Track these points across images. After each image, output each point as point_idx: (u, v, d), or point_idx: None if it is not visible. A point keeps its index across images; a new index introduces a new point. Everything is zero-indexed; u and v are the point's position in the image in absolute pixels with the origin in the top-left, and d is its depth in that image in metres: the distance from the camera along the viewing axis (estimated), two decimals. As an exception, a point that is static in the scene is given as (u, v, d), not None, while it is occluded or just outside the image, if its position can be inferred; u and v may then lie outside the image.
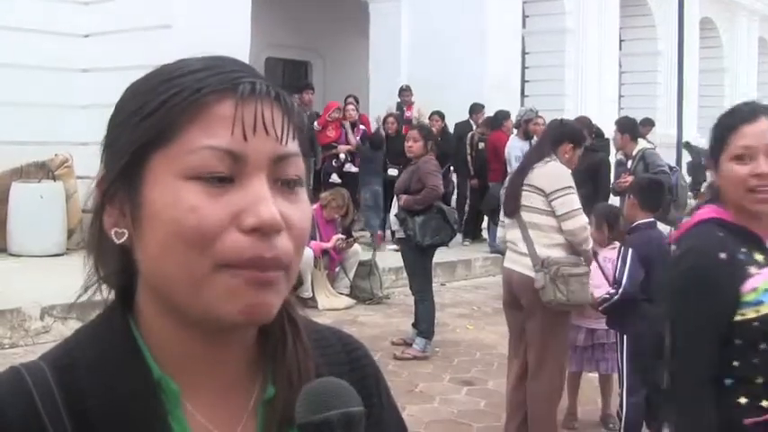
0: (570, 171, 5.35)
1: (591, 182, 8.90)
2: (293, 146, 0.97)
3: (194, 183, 0.91)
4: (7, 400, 0.93)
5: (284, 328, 1.05)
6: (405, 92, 14.78)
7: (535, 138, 11.31)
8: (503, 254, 11.26)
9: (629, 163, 9.53)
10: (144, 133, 0.94)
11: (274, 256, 0.92)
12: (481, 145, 13.79)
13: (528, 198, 5.25)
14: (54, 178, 10.77)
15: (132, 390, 0.95)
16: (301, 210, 0.97)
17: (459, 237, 13.66)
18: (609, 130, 11.55)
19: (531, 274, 5.17)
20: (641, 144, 9.70)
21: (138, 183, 0.94)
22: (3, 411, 0.92)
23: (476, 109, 14.30)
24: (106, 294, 1.05)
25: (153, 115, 0.94)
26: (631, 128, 9.80)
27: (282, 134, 0.95)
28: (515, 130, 13.01)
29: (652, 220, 5.57)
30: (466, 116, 14.28)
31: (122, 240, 0.97)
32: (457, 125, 14.23)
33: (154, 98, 0.95)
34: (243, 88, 0.94)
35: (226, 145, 0.91)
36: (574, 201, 5.16)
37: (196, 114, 0.92)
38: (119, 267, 1.02)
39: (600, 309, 5.43)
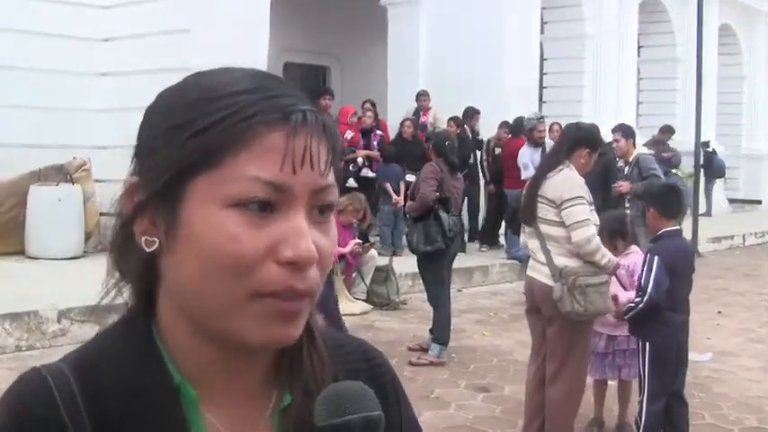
0: (583, 179, 5.32)
1: (603, 185, 8.97)
2: (332, 177, 0.97)
3: (236, 211, 0.91)
4: (29, 399, 0.94)
5: (300, 338, 1.05)
6: (422, 96, 14.74)
7: (549, 144, 11.36)
8: (520, 261, 11.35)
9: (626, 169, 9.77)
10: (190, 153, 0.93)
11: (307, 288, 0.93)
12: (497, 150, 13.78)
13: (542, 210, 5.23)
14: (72, 181, 10.82)
15: (152, 394, 0.96)
16: (331, 237, 0.98)
17: (476, 243, 13.72)
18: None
19: (551, 282, 5.16)
20: (638, 149, 10.11)
21: (176, 200, 0.94)
22: (24, 410, 0.93)
23: (469, 113, 14.29)
24: (127, 298, 1.05)
25: (200, 136, 0.92)
26: (633, 133, 10.12)
27: (326, 167, 0.95)
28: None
29: (678, 227, 5.52)
30: (485, 122, 14.26)
31: (152, 249, 0.97)
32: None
33: (202, 116, 0.93)
34: (295, 118, 0.93)
35: (273, 177, 0.91)
36: (579, 212, 5.10)
37: (246, 142, 0.92)
38: (141, 273, 1.02)
39: (626, 317, 5.39)
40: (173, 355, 0.99)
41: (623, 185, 9.50)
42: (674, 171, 10.34)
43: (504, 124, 13.96)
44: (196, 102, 0.95)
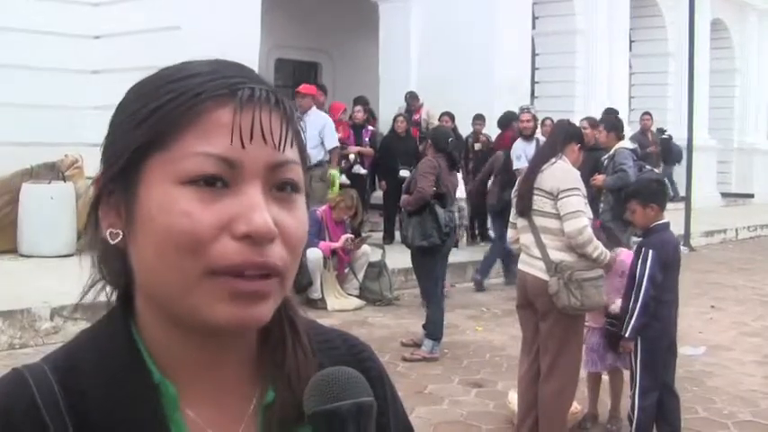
0: (579, 171, 5.36)
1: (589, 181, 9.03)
2: (291, 153, 0.96)
3: (189, 188, 0.91)
4: (9, 400, 0.94)
5: (284, 331, 1.05)
6: (412, 99, 14.71)
7: (541, 135, 11.39)
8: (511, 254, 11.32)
9: (606, 162, 9.84)
10: (141, 136, 0.94)
11: (265, 262, 0.92)
12: (477, 146, 13.75)
13: (538, 202, 5.24)
14: (64, 179, 10.79)
15: (132, 392, 0.95)
16: (297, 217, 0.96)
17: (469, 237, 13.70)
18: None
19: (546, 277, 5.15)
20: (621, 143, 9.97)
21: (133, 184, 0.94)
22: (4, 411, 0.93)
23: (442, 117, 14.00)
24: (110, 295, 1.05)
25: (150, 118, 0.94)
26: (616, 126, 10.10)
27: (280, 141, 0.94)
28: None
29: (667, 221, 5.53)
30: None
31: (116, 241, 0.97)
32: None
33: (152, 101, 0.95)
34: (242, 94, 0.93)
35: (222, 152, 0.91)
36: (574, 203, 5.12)
37: (193, 120, 0.92)
38: (119, 268, 1.02)
39: (629, 333, 5.30)
40: (152, 353, 0.99)
41: (598, 178, 9.55)
42: (648, 167, 10.40)
43: (477, 117, 13.96)
44: (149, 90, 0.97)
